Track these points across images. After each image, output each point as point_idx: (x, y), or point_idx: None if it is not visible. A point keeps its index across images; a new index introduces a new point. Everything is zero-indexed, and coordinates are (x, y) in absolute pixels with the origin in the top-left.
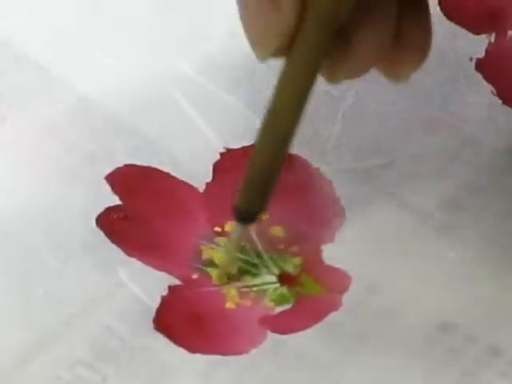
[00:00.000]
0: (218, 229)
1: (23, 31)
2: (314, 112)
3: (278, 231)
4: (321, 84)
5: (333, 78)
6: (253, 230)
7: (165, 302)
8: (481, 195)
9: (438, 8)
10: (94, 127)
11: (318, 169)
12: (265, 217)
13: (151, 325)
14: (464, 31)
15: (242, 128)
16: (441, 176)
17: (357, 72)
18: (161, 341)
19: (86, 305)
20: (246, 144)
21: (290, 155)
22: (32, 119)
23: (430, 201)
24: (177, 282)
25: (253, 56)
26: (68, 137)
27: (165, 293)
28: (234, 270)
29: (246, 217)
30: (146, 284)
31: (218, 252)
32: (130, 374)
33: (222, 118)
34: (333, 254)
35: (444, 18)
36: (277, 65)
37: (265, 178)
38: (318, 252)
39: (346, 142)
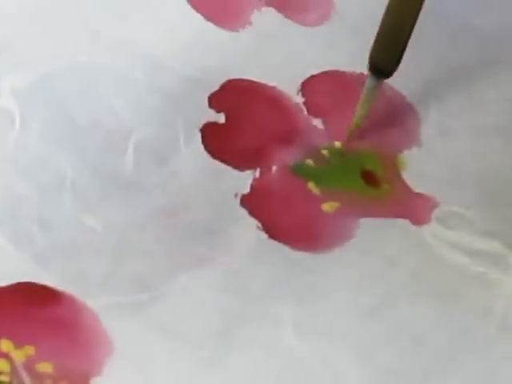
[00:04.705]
0: None
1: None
2: None
3: (45, 367)
4: None
5: None
6: (20, 366)
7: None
8: None
9: None
10: None
11: (84, 303)
12: (32, 353)
13: None
14: (228, 168)
15: None
16: None
17: None
18: None
19: None
20: None
21: (59, 293)
22: None
23: None
24: None
25: None
26: None
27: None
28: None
29: (378, 69)
30: None
31: None
32: None
33: None
34: None
35: (208, 157)
36: None
37: (398, 33)
38: None
39: (116, 276)
